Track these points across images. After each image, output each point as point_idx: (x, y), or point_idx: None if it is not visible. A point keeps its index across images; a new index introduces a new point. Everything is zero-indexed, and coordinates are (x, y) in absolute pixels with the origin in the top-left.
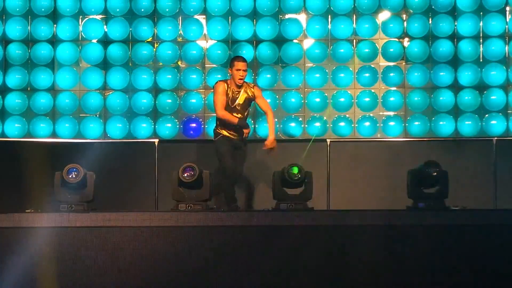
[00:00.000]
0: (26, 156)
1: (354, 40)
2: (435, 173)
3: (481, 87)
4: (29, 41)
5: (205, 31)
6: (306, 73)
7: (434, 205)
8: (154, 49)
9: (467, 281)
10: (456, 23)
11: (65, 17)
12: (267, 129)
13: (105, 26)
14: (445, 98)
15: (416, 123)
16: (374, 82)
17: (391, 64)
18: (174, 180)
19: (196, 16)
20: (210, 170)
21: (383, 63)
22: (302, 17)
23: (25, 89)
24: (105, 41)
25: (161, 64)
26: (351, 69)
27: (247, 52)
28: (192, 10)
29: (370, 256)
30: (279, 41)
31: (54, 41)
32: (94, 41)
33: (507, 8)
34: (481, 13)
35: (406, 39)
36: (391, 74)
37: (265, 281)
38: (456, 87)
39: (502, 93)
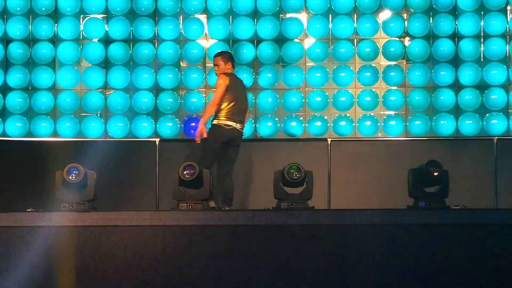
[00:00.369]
0: (27, 155)
1: (355, 40)
2: (437, 173)
3: (482, 87)
4: (30, 40)
5: (206, 30)
6: (307, 72)
7: (435, 205)
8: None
9: (468, 281)
10: (457, 23)
11: (66, 16)
12: (268, 128)
13: (106, 25)
14: (446, 97)
15: (417, 122)
16: (375, 81)
17: (392, 63)
18: (175, 179)
19: (197, 15)
20: (210, 169)
21: (383, 62)
22: (303, 17)
23: (26, 88)
24: (106, 40)
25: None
26: (351, 68)
27: (248, 51)
28: (193, 9)
29: (371, 255)
30: (280, 40)
31: (55, 40)
32: (95, 40)
33: (508, 8)
34: (482, 12)
35: (407, 38)
36: (392, 74)
37: (266, 280)
38: (457, 87)
39: (503, 92)
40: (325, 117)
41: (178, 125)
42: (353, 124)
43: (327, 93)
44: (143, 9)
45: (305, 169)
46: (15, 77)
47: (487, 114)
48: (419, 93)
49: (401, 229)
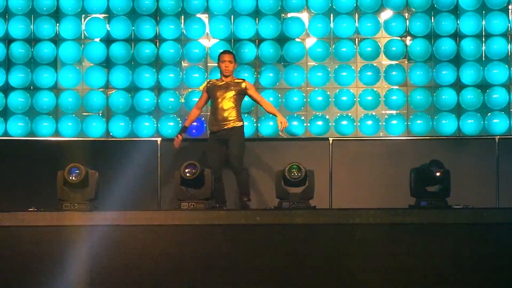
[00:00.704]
0: (29, 155)
1: (357, 39)
2: (439, 173)
3: (484, 86)
4: (32, 40)
5: (207, 30)
6: (308, 72)
7: (437, 204)
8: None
9: (470, 280)
10: (458, 22)
11: (67, 16)
12: (269, 128)
13: (107, 25)
14: (448, 96)
15: (419, 121)
16: (376, 80)
17: (394, 62)
18: (177, 178)
19: (198, 15)
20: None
21: (385, 61)
22: (304, 16)
23: (28, 88)
24: (108, 40)
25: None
26: (353, 67)
27: (249, 50)
28: (194, 9)
29: (372, 255)
30: (282, 39)
31: (56, 40)
32: (97, 40)
33: (510, 7)
34: (484, 11)
35: (409, 37)
36: (394, 73)
37: (268, 280)
38: (458, 86)
39: (505, 91)
40: (327, 117)
41: (180, 125)
42: (355, 124)
43: (328, 93)
44: (144, 8)
45: (306, 168)
46: (17, 77)
47: (489, 114)
48: (421, 93)
49: (403, 229)
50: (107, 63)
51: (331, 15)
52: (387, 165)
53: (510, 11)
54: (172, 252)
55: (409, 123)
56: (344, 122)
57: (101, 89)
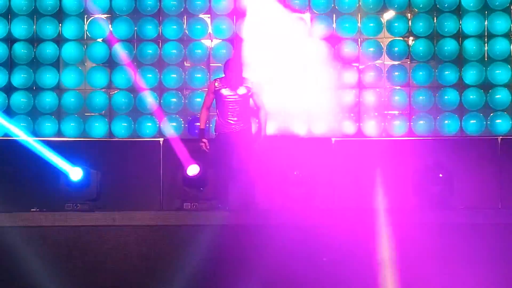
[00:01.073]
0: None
1: (359, 39)
2: (441, 175)
3: (486, 86)
4: (35, 40)
5: (210, 30)
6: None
7: (439, 204)
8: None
9: (472, 281)
10: (461, 22)
11: (70, 16)
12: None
13: (110, 25)
14: (450, 97)
15: (421, 122)
16: (379, 81)
17: (396, 63)
18: (179, 179)
19: (201, 15)
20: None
21: (388, 62)
22: (306, 16)
23: (31, 88)
24: (110, 40)
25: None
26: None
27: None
28: (197, 9)
29: (374, 255)
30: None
31: (59, 40)
32: (99, 40)
33: None
34: (486, 12)
35: (411, 38)
36: (396, 73)
37: (270, 280)
38: (461, 86)
39: (507, 92)
40: (330, 117)
41: (182, 125)
42: (357, 124)
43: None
44: (147, 8)
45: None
46: (19, 77)
47: (491, 114)
48: (423, 93)
49: (406, 229)
50: (110, 64)
51: (334, 15)
52: (389, 165)
53: None
54: (175, 252)
55: (411, 123)
56: (347, 122)
57: (103, 90)
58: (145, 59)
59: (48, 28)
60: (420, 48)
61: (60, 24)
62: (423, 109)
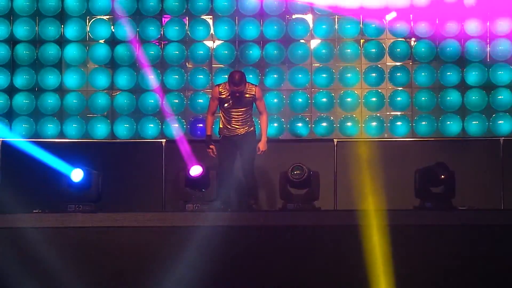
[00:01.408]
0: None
1: (361, 40)
2: (444, 176)
3: (488, 87)
4: (37, 42)
5: (212, 31)
6: (313, 73)
7: (442, 205)
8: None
9: (474, 281)
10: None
11: (72, 17)
12: (274, 129)
13: (112, 27)
14: (452, 98)
15: (423, 123)
16: (381, 82)
17: (398, 64)
18: (181, 180)
19: (203, 17)
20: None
21: (390, 63)
22: (308, 17)
23: (33, 89)
24: (112, 41)
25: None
26: (357, 69)
27: (253, 52)
28: (199, 10)
29: (377, 256)
30: (286, 41)
31: (61, 41)
32: (102, 41)
33: None
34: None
35: (413, 39)
36: (398, 74)
37: (271, 280)
38: (463, 87)
39: (509, 92)
40: (331, 118)
41: (185, 126)
42: (360, 125)
43: (333, 94)
44: (149, 10)
45: (309, 169)
46: (21, 78)
47: (494, 115)
48: (425, 94)
49: (408, 230)
50: (112, 65)
51: (336, 16)
52: (392, 166)
53: None
54: (178, 254)
55: (413, 124)
56: (349, 124)
57: (105, 91)
58: (148, 60)
59: (50, 30)
60: (422, 49)
61: (62, 26)
62: (425, 110)
